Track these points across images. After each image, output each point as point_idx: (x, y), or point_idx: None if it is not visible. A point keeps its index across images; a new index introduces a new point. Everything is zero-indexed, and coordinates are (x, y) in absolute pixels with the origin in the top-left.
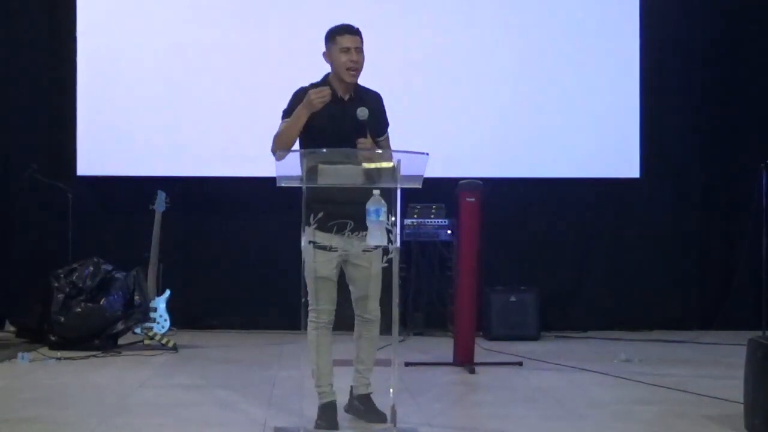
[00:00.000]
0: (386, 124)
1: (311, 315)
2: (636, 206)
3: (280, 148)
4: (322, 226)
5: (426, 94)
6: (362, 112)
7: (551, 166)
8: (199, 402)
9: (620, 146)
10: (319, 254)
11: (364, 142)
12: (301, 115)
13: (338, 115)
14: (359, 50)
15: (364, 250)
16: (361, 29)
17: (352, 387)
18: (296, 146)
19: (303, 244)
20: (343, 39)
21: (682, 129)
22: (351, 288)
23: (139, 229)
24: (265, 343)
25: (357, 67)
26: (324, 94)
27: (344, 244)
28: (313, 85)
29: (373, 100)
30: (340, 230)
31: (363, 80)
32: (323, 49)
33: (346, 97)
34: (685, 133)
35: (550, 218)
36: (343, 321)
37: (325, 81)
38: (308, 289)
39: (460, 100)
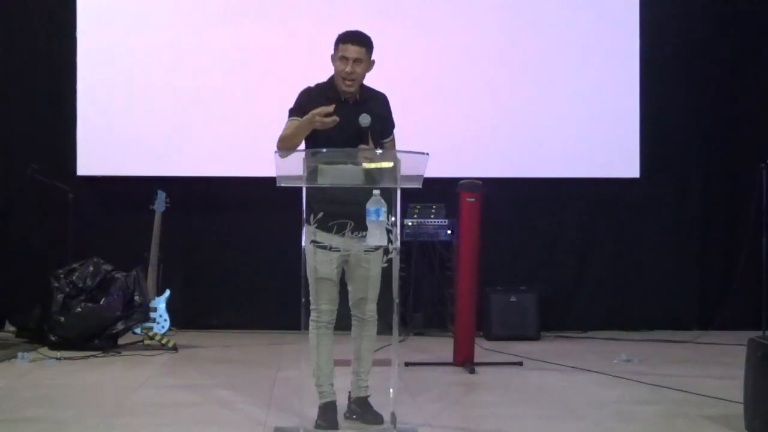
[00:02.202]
0: (392, 126)
1: (312, 315)
2: (636, 206)
3: (285, 148)
4: (323, 226)
5: (426, 94)
6: (364, 119)
7: (551, 166)
8: (199, 402)
9: (620, 146)
10: (320, 254)
11: (366, 149)
12: (303, 129)
13: (342, 118)
14: (359, 61)
15: (365, 251)
16: (371, 37)
17: (349, 393)
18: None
19: (303, 244)
20: (344, 48)
21: (682, 129)
22: (349, 288)
23: (139, 229)
24: (265, 343)
25: (351, 78)
26: (327, 121)
27: (345, 244)
28: (319, 86)
29: (378, 102)
30: (340, 230)
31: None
32: (325, 49)
33: (351, 101)
34: (685, 133)
35: (550, 218)
36: (343, 320)
37: (330, 82)
38: (310, 288)
39: (460, 100)
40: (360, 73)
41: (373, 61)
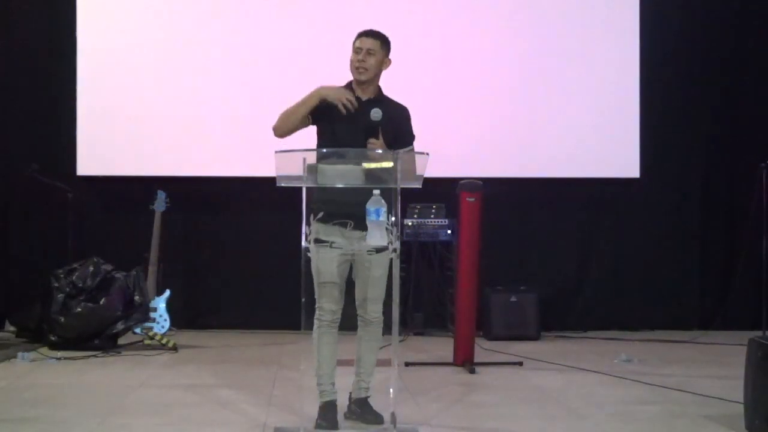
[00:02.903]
0: (411, 137)
1: (316, 313)
2: (636, 206)
3: (282, 124)
4: (323, 224)
5: (426, 94)
6: (376, 113)
7: (551, 166)
8: (199, 402)
9: (620, 146)
10: (322, 252)
11: (375, 143)
12: (313, 96)
13: (357, 117)
14: (371, 52)
15: (368, 252)
16: (388, 37)
17: (350, 393)
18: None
19: (303, 244)
20: (358, 41)
21: (682, 129)
22: (356, 288)
23: (139, 229)
24: (265, 343)
25: (363, 67)
26: (347, 97)
27: (346, 242)
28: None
29: (395, 111)
30: (341, 228)
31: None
32: (325, 49)
33: (365, 98)
34: (685, 133)
35: (550, 218)
36: (349, 321)
37: (348, 86)
38: (314, 287)
39: (460, 100)
40: (373, 65)
41: (390, 60)
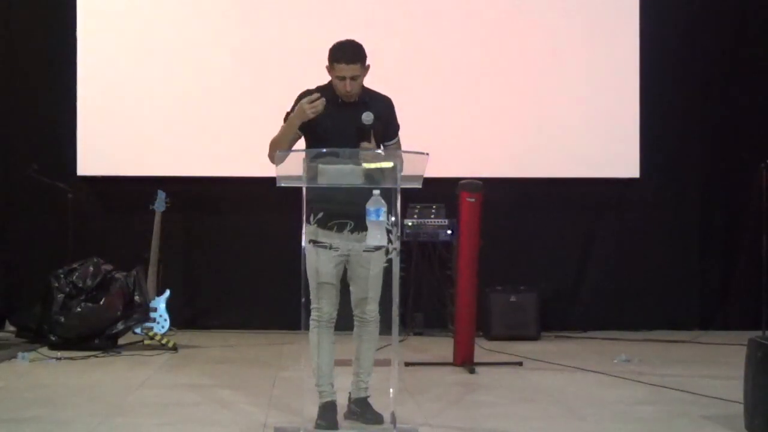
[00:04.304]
0: (396, 129)
1: (313, 314)
2: (636, 206)
3: (274, 154)
4: (323, 226)
5: (426, 93)
6: (367, 117)
7: (551, 166)
8: (199, 402)
9: (620, 146)
10: (320, 253)
11: (368, 147)
12: (293, 123)
13: (341, 118)
14: (355, 78)
15: (365, 251)
16: (362, 47)
17: (350, 393)
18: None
19: (303, 244)
20: (339, 67)
21: (682, 129)
22: (351, 288)
23: (139, 229)
24: (265, 343)
25: (350, 95)
26: (316, 105)
27: (345, 243)
28: (319, 89)
29: (381, 105)
30: (340, 230)
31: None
32: (323, 49)
33: (350, 101)
34: (685, 133)
35: (550, 218)
36: (345, 321)
37: (329, 85)
38: (310, 288)
39: (460, 100)
40: (358, 86)
41: (368, 66)
